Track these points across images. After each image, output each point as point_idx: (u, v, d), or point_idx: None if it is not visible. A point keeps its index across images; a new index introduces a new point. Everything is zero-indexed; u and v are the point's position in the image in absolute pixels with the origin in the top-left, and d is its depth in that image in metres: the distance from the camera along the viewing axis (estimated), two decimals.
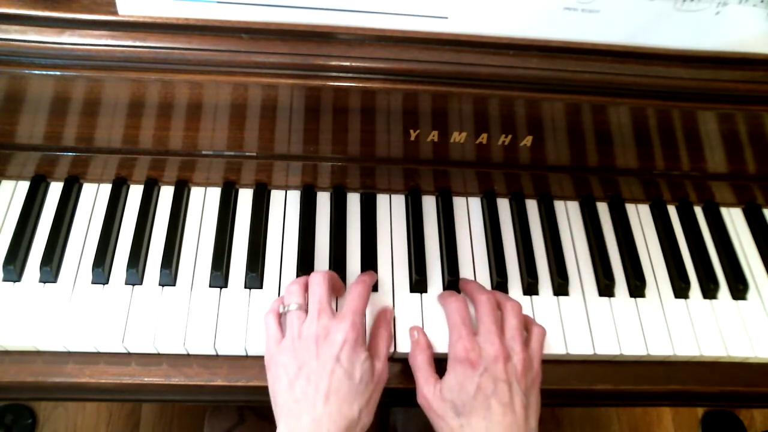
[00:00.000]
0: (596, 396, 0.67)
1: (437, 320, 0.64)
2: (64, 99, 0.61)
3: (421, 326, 0.64)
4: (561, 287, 0.68)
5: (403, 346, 0.62)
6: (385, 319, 0.63)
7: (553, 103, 0.63)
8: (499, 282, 0.68)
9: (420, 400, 0.58)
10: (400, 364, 0.64)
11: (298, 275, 0.66)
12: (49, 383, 0.61)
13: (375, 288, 0.66)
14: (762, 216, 0.77)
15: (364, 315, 0.58)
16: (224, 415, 0.85)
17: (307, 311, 0.57)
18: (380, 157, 0.69)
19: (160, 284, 0.65)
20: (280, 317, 0.59)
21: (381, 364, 0.57)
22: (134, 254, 0.65)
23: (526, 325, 0.61)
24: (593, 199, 0.75)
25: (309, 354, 0.54)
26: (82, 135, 0.65)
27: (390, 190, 0.74)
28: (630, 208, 0.76)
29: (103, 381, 0.61)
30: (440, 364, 0.59)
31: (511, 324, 0.58)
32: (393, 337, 0.63)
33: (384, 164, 0.71)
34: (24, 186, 0.69)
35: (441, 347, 0.62)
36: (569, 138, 0.68)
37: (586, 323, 0.66)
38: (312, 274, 0.60)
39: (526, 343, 0.58)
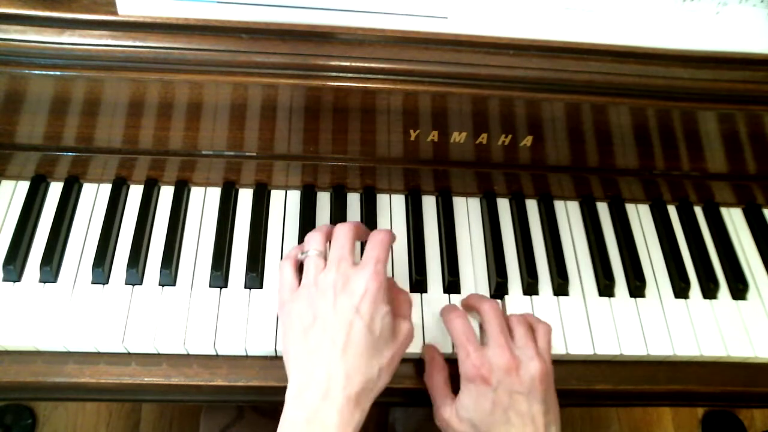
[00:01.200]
0: (596, 396, 0.67)
1: (437, 320, 0.64)
2: (64, 99, 0.61)
3: (421, 327, 0.64)
4: (561, 287, 0.68)
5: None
6: (396, 285, 0.60)
7: (553, 103, 0.63)
8: (499, 282, 0.68)
9: (439, 422, 0.57)
10: (403, 365, 0.63)
11: None
12: (49, 383, 0.61)
13: None
14: (762, 216, 0.77)
15: (385, 264, 0.53)
16: (222, 411, 0.84)
17: (326, 259, 0.54)
18: (380, 157, 0.69)
19: (160, 284, 0.65)
20: (298, 265, 0.56)
21: (406, 323, 0.54)
22: (134, 254, 0.65)
23: (531, 324, 0.60)
24: (593, 199, 0.75)
25: (326, 303, 0.51)
26: (82, 135, 0.65)
27: (390, 190, 0.74)
28: (630, 208, 0.76)
29: (103, 381, 0.61)
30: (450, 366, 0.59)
31: (519, 333, 0.58)
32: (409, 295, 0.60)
33: (384, 164, 0.71)
34: (24, 186, 0.69)
35: (441, 347, 0.62)
36: (569, 138, 0.68)
37: (586, 323, 0.66)
38: (338, 224, 0.56)
39: (536, 346, 0.57)
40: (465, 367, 0.55)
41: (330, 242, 0.56)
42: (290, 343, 0.52)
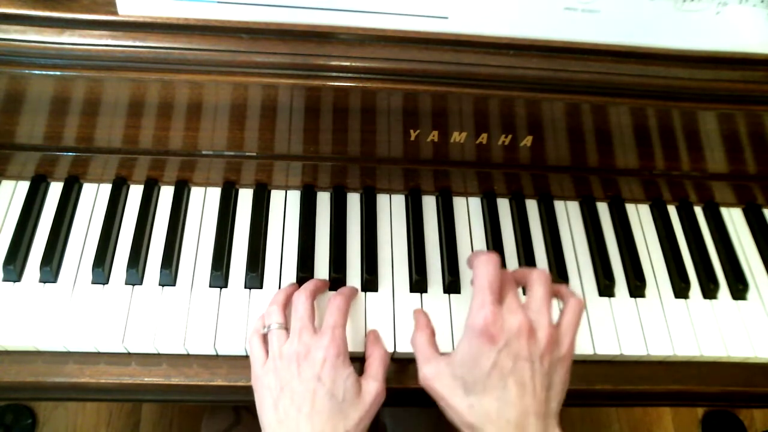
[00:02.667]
0: (596, 396, 0.67)
1: (437, 321, 0.64)
2: (64, 99, 0.61)
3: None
4: None
5: (402, 346, 0.62)
6: (375, 340, 0.61)
7: (553, 103, 0.63)
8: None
9: (421, 381, 0.54)
10: (395, 364, 0.63)
11: (298, 275, 0.66)
12: (49, 383, 0.61)
13: (375, 288, 0.66)
14: (762, 216, 0.77)
15: (343, 329, 0.56)
16: (221, 416, 0.85)
17: (288, 329, 0.57)
18: (380, 157, 0.69)
19: (160, 284, 0.65)
20: (263, 338, 0.58)
21: (376, 384, 0.55)
22: (134, 254, 0.65)
23: (561, 296, 0.56)
24: (593, 199, 0.75)
25: (291, 373, 0.53)
26: (82, 135, 0.65)
27: (390, 190, 0.74)
28: (630, 208, 0.76)
29: (103, 381, 0.61)
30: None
31: (537, 294, 0.52)
32: (388, 353, 0.61)
33: (384, 164, 0.71)
34: (24, 186, 0.69)
35: (441, 347, 0.62)
36: (569, 138, 0.68)
37: (587, 323, 0.66)
38: (295, 294, 0.59)
39: (559, 317, 0.53)
40: (475, 318, 0.50)
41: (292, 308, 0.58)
42: (263, 413, 0.54)
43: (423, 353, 0.55)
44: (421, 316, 0.61)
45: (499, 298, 0.51)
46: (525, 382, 0.48)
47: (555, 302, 0.62)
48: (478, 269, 0.53)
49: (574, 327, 0.52)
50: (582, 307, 0.54)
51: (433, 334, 0.58)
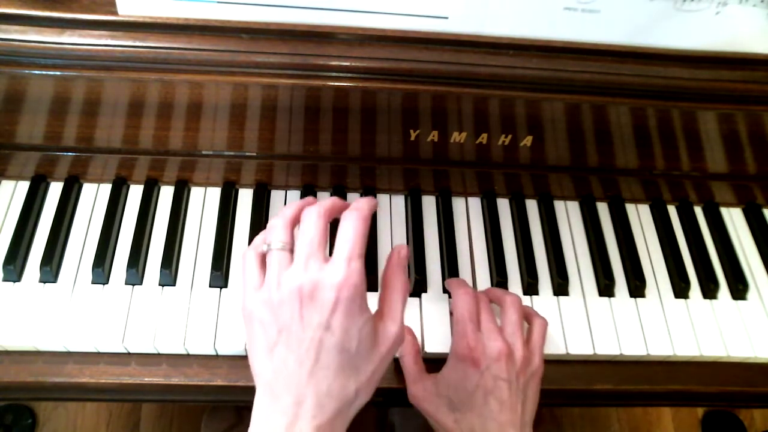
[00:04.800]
0: (596, 396, 0.67)
1: (437, 320, 0.64)
2: (64, 99, 0.61)
3: (419, 326, 0.64)
4: (561, 287, 0.68)
5: (401, 349, 0.62)
6: (399, 262, 0.50)
7: (553, 103, 0.63)
8: (499, 282, 0.68)
9: (410, 398, 0.58)
10: (399, 364, 0.63)
11: None
12: (49, 383, 0.61)
13: (375, 288, 0.66)
14: (762, 216, 0.77)
15: (362, 260, 0.44)
16: (222, 416, 0.85)
17: (293, 252, 0.45)
18: (380, 157, 0.69)
19: (160, 284, 0.65)
20: (262, 257, 0.47)
21: (395, 326, 0.46)
22: (134, 254, 0.65)
23: (527, 317, 0.60)
24: (593, 199, 0.75)
25: (291, 314, 0.43)
26: (82, 135, 0.65)
27: (390, 190, 0.74)
28: (630, 208, 0.76)
29: (103, 381, 0.61)
30: (438, 366, 0.59)
31: (512, 319, 0.57)
32: (407, 282, 0.50)
33: (384, 164, 0.71)
34: (24, 186, 0.69)
35: (440, 347, 0.62)
36: (569, 138, 0.68)
37: (586, 323, 0.66)
38: (306, 209, 0.46)
39: (527, 336, 0.58)
40: (459, 346, 0.55)
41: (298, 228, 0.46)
42: (254, 356, 0.45)
43: (410, 373, 0.58)
44: (408, 337, 0.61)
45: (479, 325, 0.56)
46: (504, 399, 0.53)
47: None
48: (457, 301, 0.58)
49: (541, 344, 0.58)
50: (546, 325, 0.60)
51: (417, 352, 0.61)
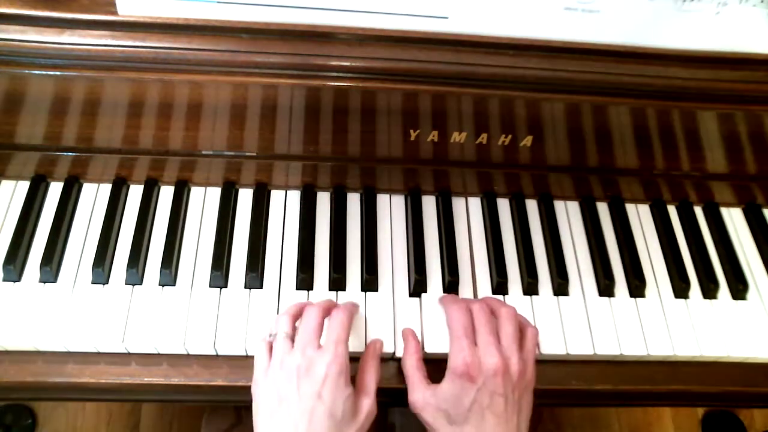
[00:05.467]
0: (596, 396, 0.67)
1: (437, 320, 0.64)
2: (64, 99, 0.61)
3: (419, 326, 0.64)
4: (561, 287, 0.68)
5: (402, 346, 0.62)
6: (374, 352, 0.61)
7: (553, 103, 0.63)
8: (499, 282, 0.68)
9: (410, 405, 0.58)
10: (397, 365, 0.63)
11: (297, 275, 0.66)
12: (49, 383, 0.61)
13: (375, 288, 0.66)
14: (762, 216, 0.77)
15: (346, 345, 0.55)
16: (222, 416, 0.85)
17: (293, 340, 0.56)
18: (380, 157, 0.69)
19: (160, 284, 0.65)
20: (270, 346, 0.57)
21: (369, 400, 0.56)
22: (134, 254, 0.65)
23: (520, 326, 0.60)
24: (593, 199, 0.75)
25: (290, 387, 0.53)
26: (82, 135, 0.65)
27: (390, 190, 0.74)
28: (630, 208, 0.76)
29: (103, 381, 0.61)
30: (438, 366, 0.59)
31: (508, 332, 0.58)
32: (380, 367, 0.61)
33: (384, 164, 0.71)
34: (24, 186, 0.69)
35: (440, 347, 0.62)
36: (569, 138, 0.68)
37: (586, 323, 0.66)
38: (308, 306, 0.58)
39: (520, 346, 0.58)
40: (455, 361, 0.56)
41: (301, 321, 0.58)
42: (258, 423, 0.54)
43: (412, 380, 0.59)
44: (411, 341, 0.62)
45: (475, 339, 0.57)
46: (500, 413, 0.54)
47: None
48: (451, 317, 0.60)
49: (533, 354, 0.59)
50: (538, 334, 0.61)
51: (420, 358, 0.61)
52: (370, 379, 0.57)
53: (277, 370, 0.54)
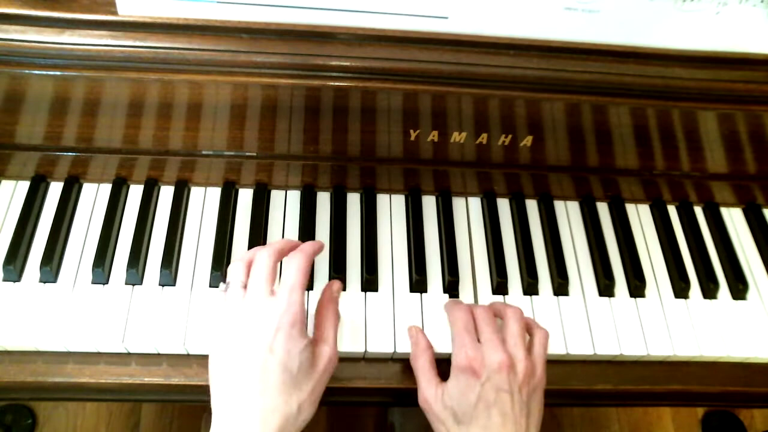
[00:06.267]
0: (596, 396, 0.67)
1: (437, 320, 0.64)
2: (64, 99, 0.61)
3: (419, 326, 0.64)
4: (561, 287, 0.68)
5: (402, 346, 0.62)
6: (331, 296, 0.58)
7: (553, 103, 0.63)
8: (499, 282, 0.68)
9: (421, 403, 0.58)
10: (400, 364, 0.64)
11: None
12: (49, 383, 0.61)
13: (375, 288, 0.66)
14: (762, 216, 0.77)
15: (302, 292, 0.52)
16: None
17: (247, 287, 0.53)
18: (380, 157, 0.69)
19: (160, 284, 0.65)
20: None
21: (329, 348, 0.53)
22: (134, 254, 0.65)
23: (528, 328, 0.60)
24: (593, 199, 0.75)
25: (240, 339, 0.50)
26: (82, 135, 0.65)
27: (390, 190, 0.74)
28: (630, 208, 0.76)
29: (103, 381, 0.61)
30: (441, 366, 0.59)
31: (513, 330, 0.57)
32: (340, 317, 0.59)
33: (384, 164, 0.71)
34: (24, 186, 0.69)
35: (442, 347, 0.62)
36: (569, 138, 0.68)
37: (586, 323, 0.66)
38: (259, 251, 0.55)
39: (528, 347, 0.57)
40: (458, 357, 0.56)
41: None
42: (211, 378, 0.51)
43: (425, 376, 0.58)
44: (421, 337, 0.62)
45: (479, 336, 0.57)
46: (507, 412, 0.53)
47: None
48: (452, 316, 0.60)
49: (543, 356, 0.58)
50: (548, 336, 0.60)
51: (432, 356, 0.60)
52: (329, 325, 0.55)
53: (228, 323, 0.51)
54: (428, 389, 0.57)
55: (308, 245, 0.57)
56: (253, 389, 0.48)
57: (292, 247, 0.57)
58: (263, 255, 0.54)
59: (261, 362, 0.49)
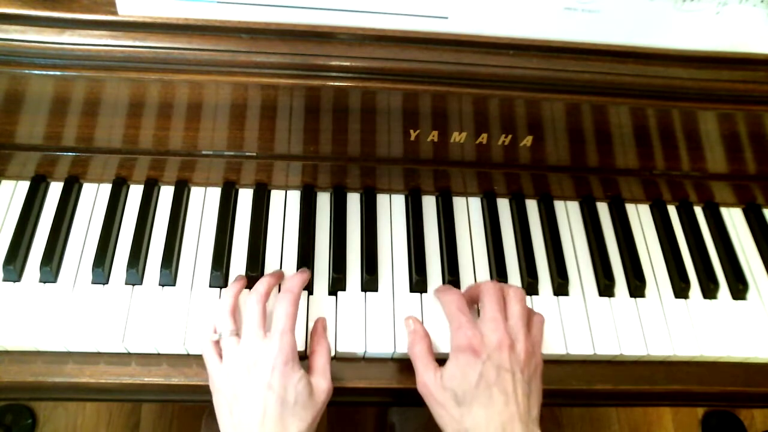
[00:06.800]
0: (596, 396, 0.67)
1: (437, 320, 0.64)
2: (64, 99, 0.61)
3: (414, 316, 0.64)
4: (561, 287, 0.68)
5: (402, 346, 0.62)
6: (322, 331, 0.62)
7: (553, 103, 0.63)
8: (499, 282, 0.68)
9: (420, 388, 0.57)
10: (399, 364, 0.64)
11: None
12: (49, 383, 0.61)
13: (375, 288, 0.66)
14: (762, 216, 0.77)
15: (292, 333, 0.56)
16: None
17: (239, 334, 0.57)
18: (380, 157, 0.69)
19: (160, 284, 0.65)
20: (218, 343, 0.58)
21: (324, 380, 0.57)
22: (134, 254, 0.65)
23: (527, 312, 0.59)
24: (593, 199, 0.75)
25: (242, 380, 0.54)
26: (82, 135, 0.65)
27: (390, 190, 0.74)
28: (630, 208, 0.76)
29: (103, 381, 0.61)
30: (439, 364, 0.59)
31: (515, 310, 0.57)
32: (334, 346, 0.62)
33: (384, 164, 0.71)
34: (24, 186, 0.69)
35: (442, 347, 0.62)
36: (569, 138, 0.68)
37: (586, 323, 0.66)
38: (248, 297, 0.59)
39: (528, 330, 0.57)
40: (457, 337, 0.56)
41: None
42: (221, 419, 0.55)
43: (423, 361, 0.58)
44: (417, 325, 0.62)
45: (481, 311, 0.57)
46: (508, 391, 0.52)
47: None
48: (443, 299, 0.61)
49: (541, 340, 0.58)
50: (544, 322, 0.61)
51: (429, 344, 0.60)
52: (321, 357, 0.59)
53: (229, 367, 0.56)
54: (426, 373, 0.57)
55: (294, 283, 0.60)
56: (256, 422, 0.53)
57: (278, 279, 0.62)
58: (252, 302, 0.58)
59: (262, 397, 0.53)
